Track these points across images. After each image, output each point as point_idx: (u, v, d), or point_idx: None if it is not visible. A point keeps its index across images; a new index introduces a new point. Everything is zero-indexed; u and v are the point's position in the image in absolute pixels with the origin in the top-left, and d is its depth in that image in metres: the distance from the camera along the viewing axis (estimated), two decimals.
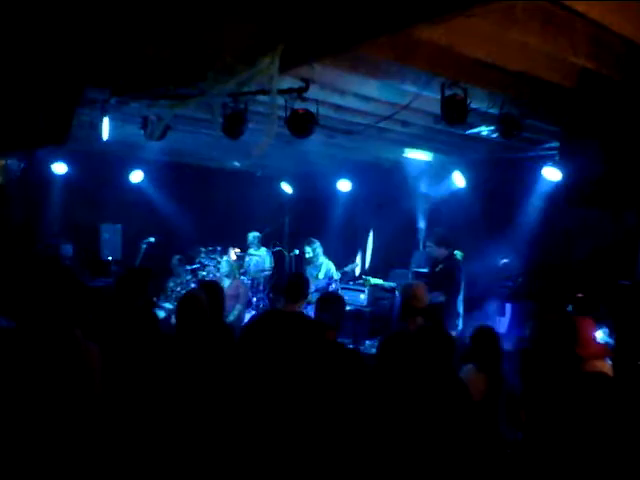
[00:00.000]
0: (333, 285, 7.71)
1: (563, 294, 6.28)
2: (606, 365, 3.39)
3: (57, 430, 2.85)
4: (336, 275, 7.84)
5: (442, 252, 6.33)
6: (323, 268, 7.92)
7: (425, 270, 7.11)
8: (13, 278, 5.64)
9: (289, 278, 4.72)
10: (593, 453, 2.41)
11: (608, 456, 2.39)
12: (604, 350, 3.61)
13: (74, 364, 2.95)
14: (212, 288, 4.51)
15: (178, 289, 8.15)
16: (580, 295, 5.76)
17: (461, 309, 6.44)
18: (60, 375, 2.91)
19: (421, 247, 8.43)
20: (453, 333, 6.21)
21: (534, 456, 2.63)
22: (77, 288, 3.44)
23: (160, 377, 3.69)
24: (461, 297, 6.47)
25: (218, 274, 8.09)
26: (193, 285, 8.31)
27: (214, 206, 9.85)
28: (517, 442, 3.20)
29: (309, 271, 8.05)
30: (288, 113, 4.72)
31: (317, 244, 8.08)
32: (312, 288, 7.63)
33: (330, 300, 4.09)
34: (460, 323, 6.43)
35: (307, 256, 8.10)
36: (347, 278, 8.27)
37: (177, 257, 8.41)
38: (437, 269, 6.38)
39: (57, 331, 3.00)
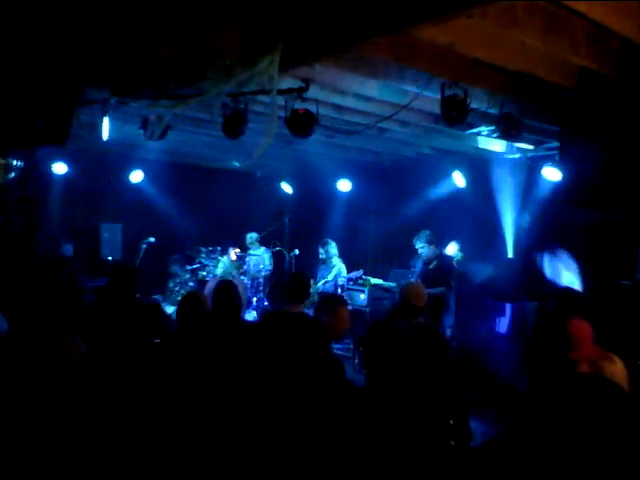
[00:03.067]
0: (339, 290, 7.72)
1: (562, 294, 6.29)
2: (615, 365, 3.24)
3: (38, 423, 2.86)
4: (340, 280, 7.85)
5: (433, 250, 6.69)
6: (334, 270, 7.92)
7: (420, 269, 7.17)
8: (12, 278, 5.65)
9: (290, 278, 4.72)
10: (575, 456, 2.40)
11: (593, 460, 2.37)
12: (600, 351, 3.49)
13: (54, 356, 2.96)
14: (224, 288, 4.48)
15: (177, 289, 8.17)
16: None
17: (453, 304, 6.54)
18: (40, 367, 2.92)
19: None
20: (447, 328, 6.32)
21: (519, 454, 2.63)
22: (60, 284, 3.47)
23: (158, 377, 3.70)
24: (454, 293, 6.59)
25: (217, 274, 8.12)
26: (192, 284, 8.34)
27: (214, 206, 9.84)
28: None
29: (321, 272, 8.05)
30: (288, 113, 4.72)
31: (331, 245, 8.06)
32: (320, 289, 7.65)
33: (329, 302, 4.08)
34: (452, 318, 6.52)
35: (320, 257, 8.09)
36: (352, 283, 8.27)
37: (174, 257, 8.42)
38: (431, 266, 6.56)
39: (37, 324, 3.03)
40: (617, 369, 3.16)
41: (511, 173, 7.52)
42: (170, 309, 7.85)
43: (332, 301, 3.99)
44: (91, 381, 3.13)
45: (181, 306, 4.02)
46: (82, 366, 3.05)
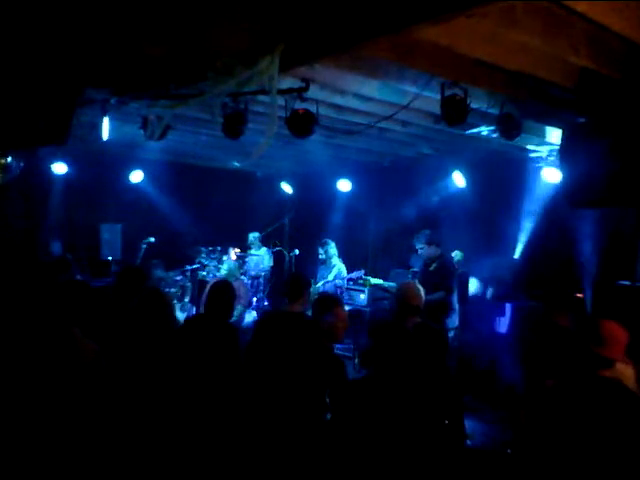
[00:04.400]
0: (338, 291, 7.71)
1: (564, 294, 6.29)
2: (628, 367, 3.18)
3: (53, 426, 2.86)
4: (338, 281, 7.83)
5: (434, 251, 6.50)
6: (334, 270, 7.89)
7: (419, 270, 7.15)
8: (13, 278, 5.64)
9: (288, 278, 4.73)
10: (589, 460, 2.39)
11: (604, 464, 2.37)
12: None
13: (71, 362, 2.96)
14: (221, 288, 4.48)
15: (166, 290, 8.18)
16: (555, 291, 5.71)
17: (457, 305, 6.49)
18: (57, 372, 2.92)
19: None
20: (451, 330, 6.28)
21: (528, 458, 2.63)
22: (77, 287, 3.46)
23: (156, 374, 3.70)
24: (456, 293, 6.53)
25: (218, 274, 8.11)
26: (178, 278, 8.36)
27: (214, 206, 9.85)
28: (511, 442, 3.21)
29: (321, 272, 8.02)
30: (288, 113, 4.72)
31: (330, 245, 8.02)
32: (320, 289, 7.64)
33: (326, 303, 4.07)
34: (456, 319, 6.47)
35: (320, 257, 8.05)
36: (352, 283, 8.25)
37: (152, 262, 8.43)
38: (431, 268, 6.48)
39: (55, 329, 3.02)
40: (629, 371, 3.12)
41: (513, 173, 7.51)
42: None
43: (329, 303, 3.96)
44: (105, 384, 3.13)
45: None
46: (97, 371, 3.06)
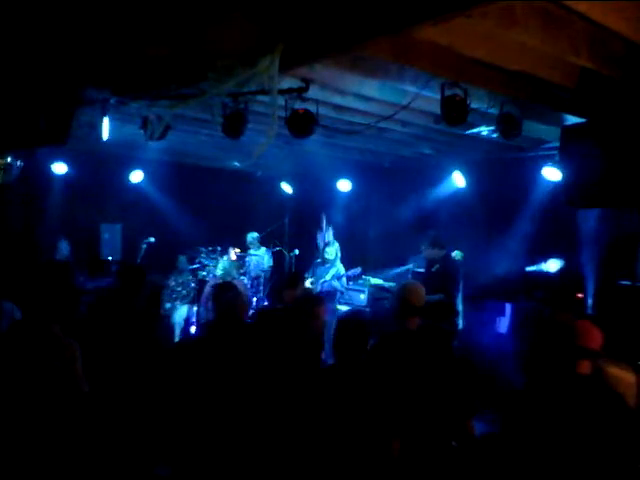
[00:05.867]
0: (337, 292, 7.69)
1: (565, 294, 6.29)
2: (622, 372, 3.15)
3: (33, 422, 2.87)
4: (335, 282, 7.81)
5: (437, 253, 6.49)
6: (332, 270, 7.84)
7: (422, 271, 7.12)
8: (11, 278, 5.65)
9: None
10: (569, 457, 2.40)
11: (586, 461, 2.37)
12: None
13: (51, 359, 2.97)
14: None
15: (179, 289, 8.17)
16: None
17: (460, 307, 6.46)
18: (36, 369, 2.93)
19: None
20: (456, 332, 6.25)
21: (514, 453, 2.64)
22: (60, 285, 3.47)
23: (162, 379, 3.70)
24: (460, 296, 6.50)
25: (216, 274, 8.12)
26: (193, 285, 8.33)
27: (214, 206, 9.84)
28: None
29: (319, 272, 8.01)
30: (288, 113, 4.72)
31: (336, 245, 8.00)
32: (318, 288, 7.62)
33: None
34: (460, 322, 6.44)
35: (329, 257, 7.89)
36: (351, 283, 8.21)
37: (184, 257, 8.43)
38: (433, 269, 6.45)
39: (35, 326, 3.03)
40: (628, 377, 3.08)
41: (513, 173, 7.50)
42: (167, 306, 7.88)
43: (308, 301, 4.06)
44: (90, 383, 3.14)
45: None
46: (76, 370, 3.06)
